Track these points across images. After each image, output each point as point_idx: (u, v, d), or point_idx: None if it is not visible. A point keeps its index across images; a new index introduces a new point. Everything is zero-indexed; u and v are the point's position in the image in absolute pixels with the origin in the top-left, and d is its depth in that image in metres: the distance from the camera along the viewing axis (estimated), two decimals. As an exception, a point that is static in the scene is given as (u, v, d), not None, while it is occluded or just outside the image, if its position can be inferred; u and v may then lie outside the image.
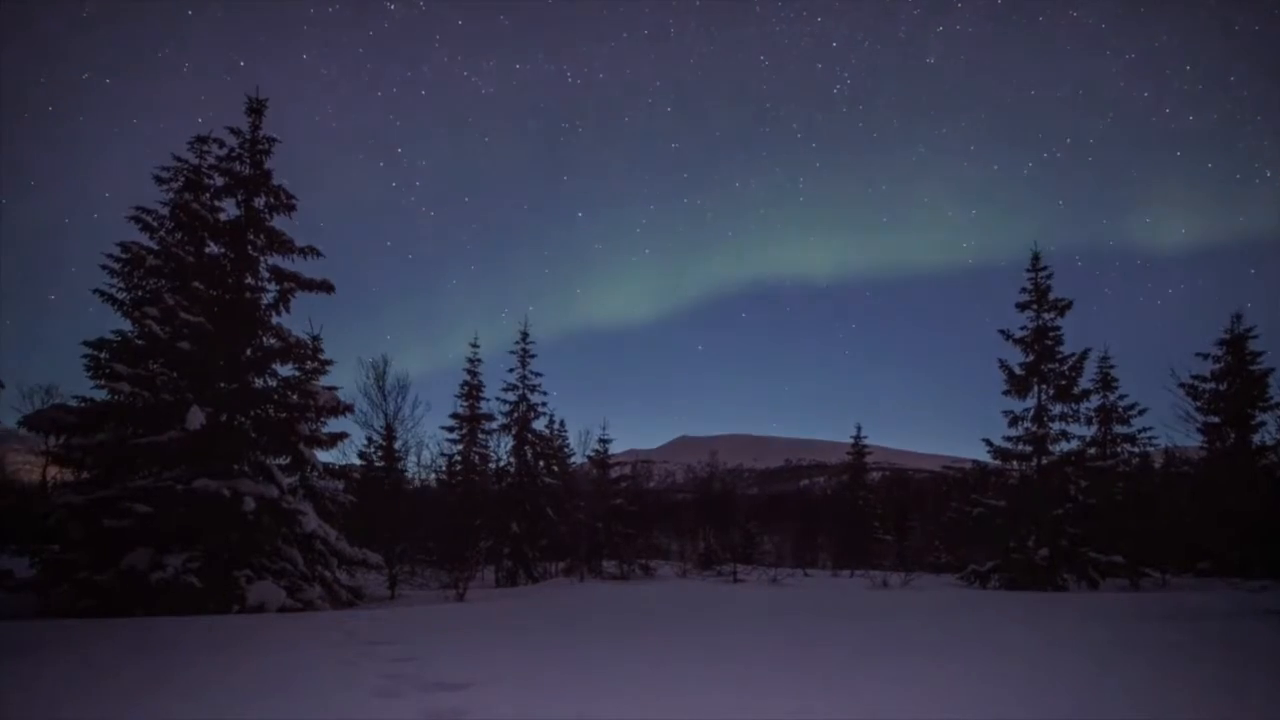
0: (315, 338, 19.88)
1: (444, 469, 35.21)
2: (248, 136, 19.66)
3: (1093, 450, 30.29)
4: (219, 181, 19.51)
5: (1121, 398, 32.34)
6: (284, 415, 19.12)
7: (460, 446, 35.37)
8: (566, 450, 41.63)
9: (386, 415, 28.30)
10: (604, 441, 39.97)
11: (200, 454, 17.15)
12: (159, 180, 19.26)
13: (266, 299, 19.58)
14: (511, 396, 35.29)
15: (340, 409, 19.89)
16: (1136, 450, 33.23)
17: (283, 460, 19.33)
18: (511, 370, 35.44)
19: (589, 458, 40.43)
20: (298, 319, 19.91)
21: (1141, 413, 31.92)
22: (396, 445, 29.38)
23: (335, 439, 20.77)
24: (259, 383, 19.38)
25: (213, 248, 19.39)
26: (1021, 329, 29.06)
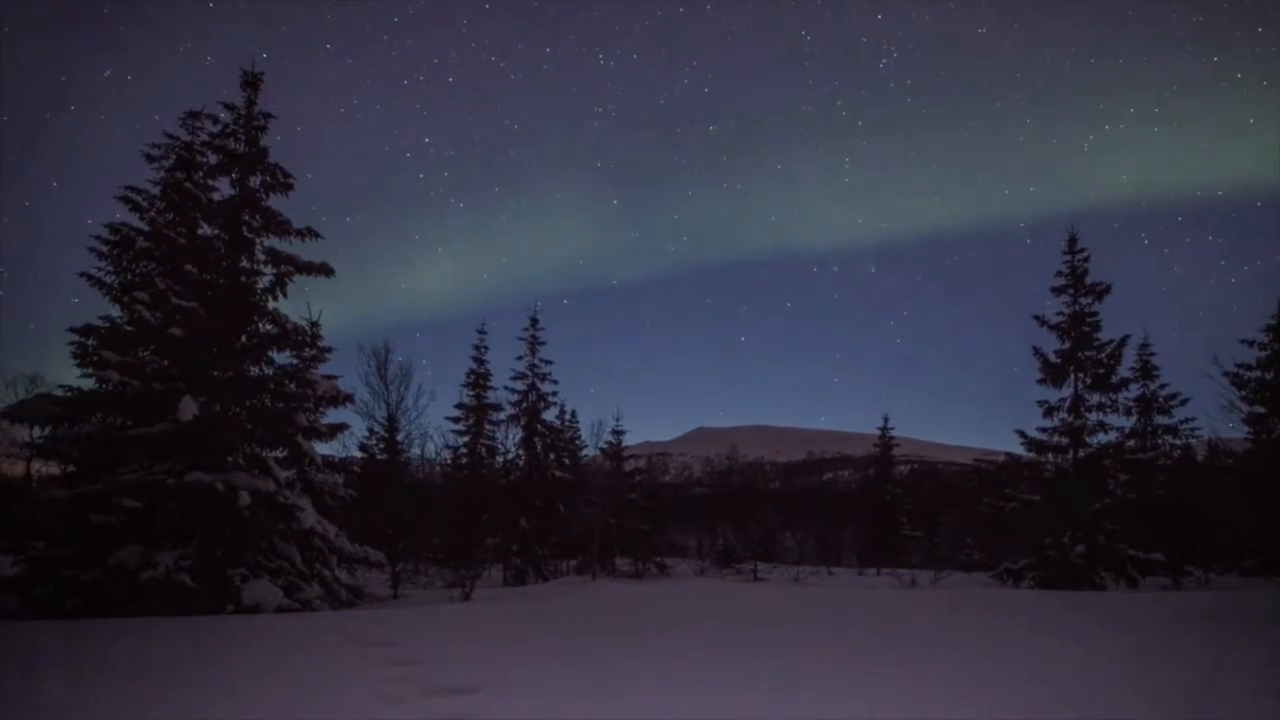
0: (314, 324, 19.68)
1: (449, 462, 35.15)
2: (243, 112, 19.45)
3: (1132, 442, 29.99)
4: (212, 159, 19.35)
5: (1163, 387, 32.09)
6: (281, 405, 18.96)
7: (466, 438, 35.30)
8: (578, 442, 41.48)
9: (389, 405, 28.23)
10: (618, 433, 39.75)
11: (193, 446, 16.97)
12: (149, 158, 19.11)
13: (262, 283, 19.39)
14: (520, 385, 35.21)
15: (340, 399, 19.76)
16: (1178, 442, 32.96)
17: (279, 453, 19.12)
18: (520, 358, 35.37)
19: (602, 450, 40.21)
20: (296, 304, 19.79)
21: (1183, 403, 31.68)
22: (399, 437, 29.34)
23: (335, 430, 20.63)
24: (255, 371, 19.19)
25: (206, 229, 19.23)
26: (1057, 314, 28.73)
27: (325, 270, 19.59)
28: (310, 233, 19.72)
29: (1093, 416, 28.35)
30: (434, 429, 54.77)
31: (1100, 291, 28.24)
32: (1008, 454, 30.69)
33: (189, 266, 17.93)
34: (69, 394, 17.53)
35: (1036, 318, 28.93)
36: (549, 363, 35.49)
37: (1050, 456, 29.04)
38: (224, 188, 19.46)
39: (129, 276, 18.59)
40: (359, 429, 30.55)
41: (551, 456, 36.22)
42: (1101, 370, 28.21)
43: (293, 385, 19.01)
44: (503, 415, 35.28)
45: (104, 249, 18.55)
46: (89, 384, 17.36)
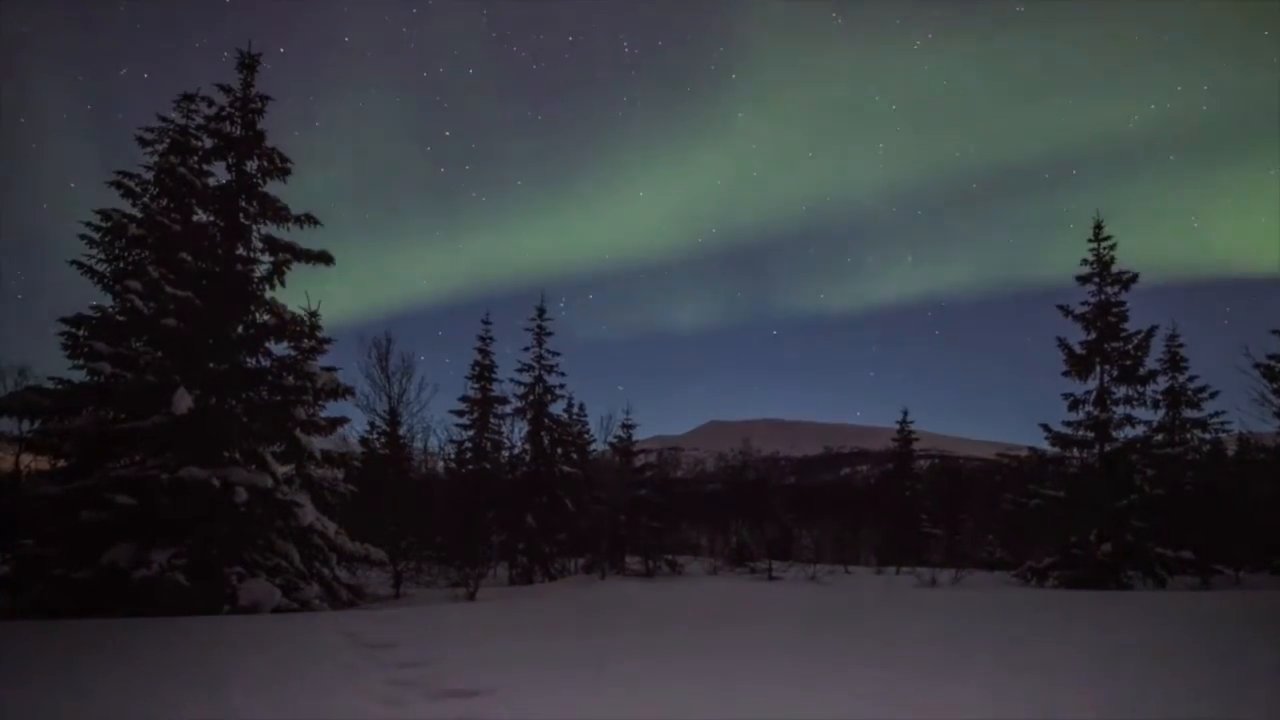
0: (313, 314, 19.60)
1: (453, 456, 35.06)
2: (239, 94, 19.33)
3: (1160, 436, 29.74)
4: (208, 143, 19.23)
5: (1191, 379, 31.75)
6: (279, 398, 18.85)
7: (471, 432, 35.16)
8: (587, 436, 41.30)
9: (390, 398, 28.07)
10: (627, 427, 39.47)
11: (187, 440, 16.88)
12: (142, 142, 19.02)
13: (260, 271, 19.28)
14: (526, 378, 35.01)
15: (340, 391, 19.62)
16: (1208, 437, 32.66)
17: (277, 447, 19.03)
18: (526, 349, 35.11)
19: (611, 444, 39.95)
20: (294, 294, 19.70)
21: (1213, 396, 31.30)
22: (401, 431, 29.22)
23: (334, 424, 20.62)
24: (251, 363, 19.10)
25: (201, 215, 19.09)
26: (1082, 304, 28.52)
27: (325, 258, 19.47)
28: (309, 219, 19.60)
29: (1119, 410, 28.13)
30: (437, 423, 54.77)
31: (1127, 280, 28.04)
32: (1031, 448, 30.54)
33: (183, 254, 17.80)
34: (59, 386, 17.45)
35: (1061, 307, 28.75)
36: (556, 354, 35.24)
37: (1075, 451, 28.84)
38: (220, 172, 19.37)
39: (121, 265, 18.51)
40: (359, 423, 30.62)
41: (559, 451, 36.01)
42: (1128, 362, 28.00)
43: (291, 377, 18.86)
44: (508, 408, 35.13)
45: (95, 236, 18.46)
46: (80, 376, 17.27)
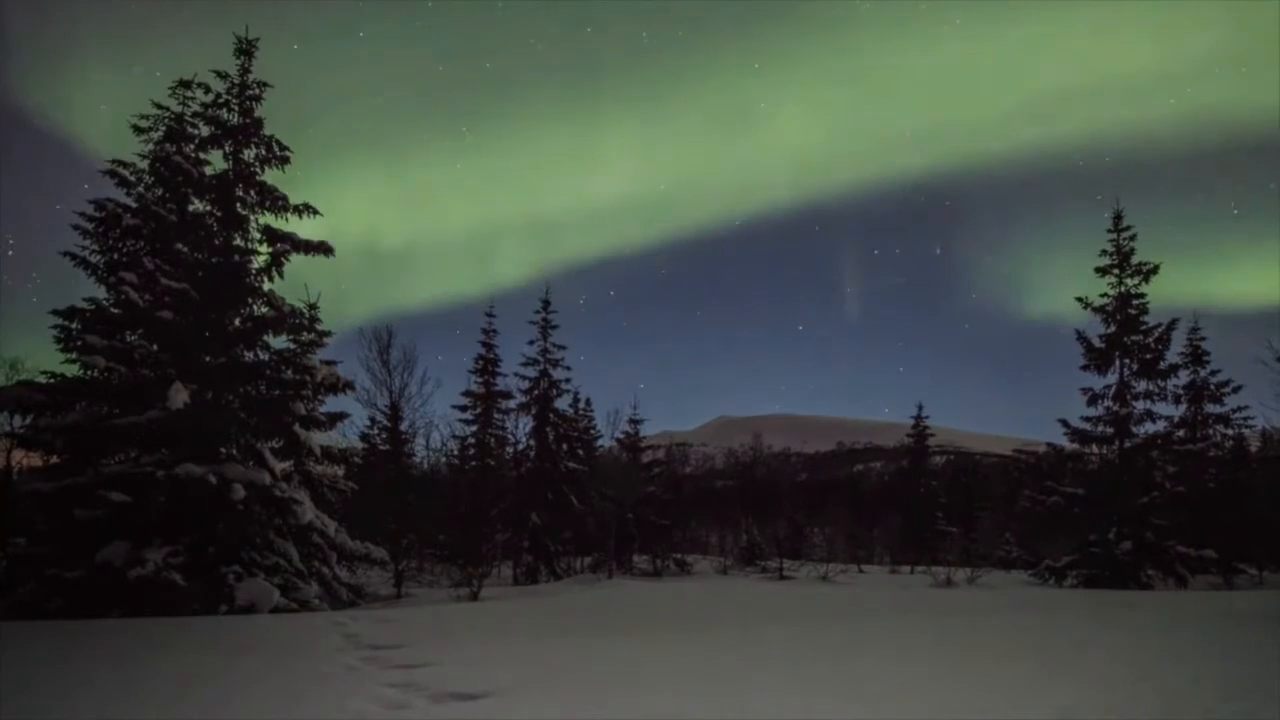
0: (312, 306, 19.52)
1: (456, 453, 34.98)
2: (236, 81, 19.28)
3: (1181, 432, 29.72)
4: (204, 131, 19.14)
5: (1214, 373, 31.64)
6: (277, 393, 18.78)
7: (474, 428, 35.09)
8: (593, 432, 41.37)
9: (391, 393, 28.06)
10: (635, 422, 39.45)
11: (183, 436, 16.81)
12: (137, 130, 18.87)
13: (258, 262, 19.22)
14: (531, 372, 34.92)
15: (340, 386, 19.56)
16: (1230, 432, 32.55)
17: (275, 443, 18.92)
18: (531, 343, 35.04)
19: (618, 440, 39.93)
20: (293, 286, 19.65)
21: (1236, 390, 31.22)
22: (403, 426, 29.19)
23: (334, 419, 20.53)
24: (249, 356, 19.00)
25: (197, 205, 19.01)
26: (1102, 296, 28.39)
27: (325, 249, 19.39)
28: (309, 209, 19.51)
29: (1139, 405, 28.10)
30: (440, 418, 54.58)
31: (1148, 272, 27.87)
32: (1049, 444, 30.44)
33: (179, 245, 17.78)
34: (52, 381, 17.34)
35: (1080, 299, 28.63)
36: (562, 348, 35.14)
37: (1095, 447, 28.76)
38: (217, 161, 19.29)
39: (115, 256, 18.35)
40: (360, 418, 30.51)
41: (564, 447, 35.96)
42: (1149, 355, 27.88)
43: (289, 371, 18.80)
44: (513, 403, 35.07)
45: (89, 227, 18.32)
46: (73, 370, 17.12)
